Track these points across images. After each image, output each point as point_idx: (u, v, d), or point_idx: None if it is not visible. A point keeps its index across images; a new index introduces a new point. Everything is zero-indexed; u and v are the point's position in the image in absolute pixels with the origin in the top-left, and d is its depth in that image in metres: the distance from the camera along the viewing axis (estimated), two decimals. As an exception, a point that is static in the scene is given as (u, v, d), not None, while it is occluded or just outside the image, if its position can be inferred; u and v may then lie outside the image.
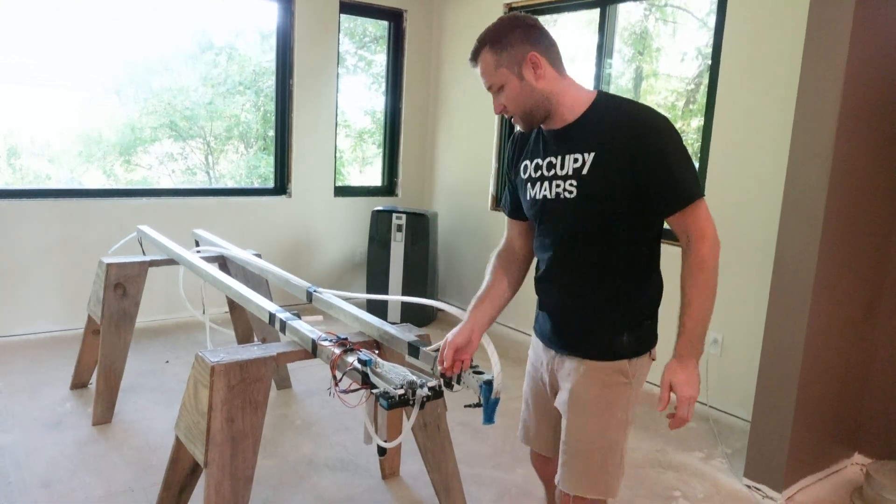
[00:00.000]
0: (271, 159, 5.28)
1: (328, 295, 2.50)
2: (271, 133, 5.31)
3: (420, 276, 4.95)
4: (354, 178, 6.28)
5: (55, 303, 4.37)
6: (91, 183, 5.63)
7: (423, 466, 2.51)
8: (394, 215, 4.94)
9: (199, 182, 6.22)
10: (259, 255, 3.46)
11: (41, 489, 2.60)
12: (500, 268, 1.87)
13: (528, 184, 1.74)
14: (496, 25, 1.64)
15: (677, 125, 2.05)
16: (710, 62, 3.76)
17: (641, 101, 3.82)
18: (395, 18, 5.54)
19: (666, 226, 1.72)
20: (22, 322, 4.29)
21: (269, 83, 5.32)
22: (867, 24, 2.56)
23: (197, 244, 3.67)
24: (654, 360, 1.77)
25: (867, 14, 2.55)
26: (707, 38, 4.08)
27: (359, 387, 1.85)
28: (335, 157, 5.40)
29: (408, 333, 2.14)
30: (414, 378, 1.72)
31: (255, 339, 3.71)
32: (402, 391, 1.66)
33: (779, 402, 2.78)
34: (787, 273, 2.74)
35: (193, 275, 3.10)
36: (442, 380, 1.80)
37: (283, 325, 2.25)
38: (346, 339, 2.06)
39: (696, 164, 1.58)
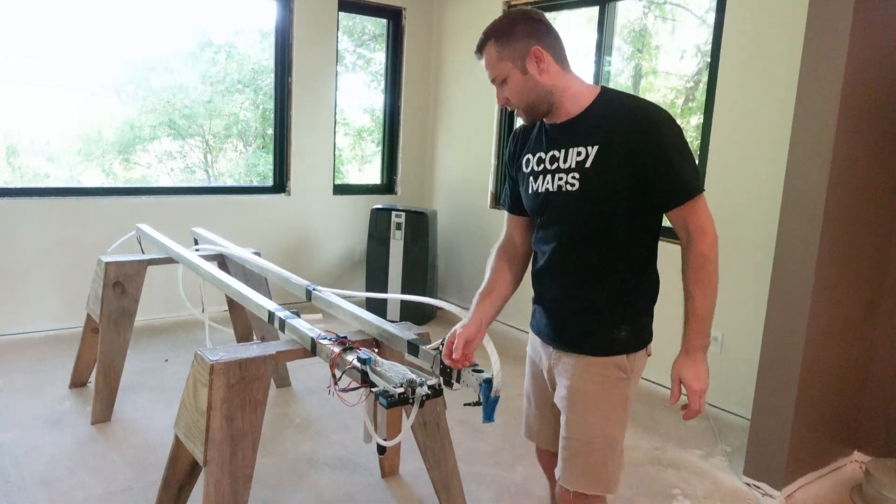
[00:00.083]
0: (270, 157, 5.28)
1: (327, 293, 2.50)
2: (270, 131, 5.30)
3: (419, 274, 4.95)
4: (353, 177, 6.28)
5: (54, 301, 4.37)
6: (90, 181, 5.62)
7: (423, 465, 2.50)
8: (393, 213, 4.93)
9: (198, 180, 6.22)
10: (258, 254, 3.46)
11: (41, 487, 2.60)
12: (502, 263, 1.88)
13: (531, 177, 1.75)
14: (502, 19, 1.68)
15: (677, 123, 2.09)
16: (709, 60, 3.76)
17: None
18: (394, 16, 5.54)
19: (665, 223, 1.72)
20: (21, 321, 4.29)
21: (268, 81, 5.31)
22: (867, 23, 2.56)
23: (196, 242, 3.66)
24: (649, 355, 1.79)
25: (867, 13, 2.54)
26: (706, 35, 4.08)
27: (358, 385, 1.85)
28: (334, 155, 5.39)
29: (407, 332, 2.14)
30: (413, 376, 1.72)
31: (255, 337, 3.71)
32: (401, 390, 1.66)
33: (778, 400, 2.78)
34: (787, 271, 2.74)
35: (193, 273, 3.09)
36: (442, 378, 1.80)
37: (283, 323, 2.25)
38: (345, 337, 2.05)
39: (696, 162, 1.59)
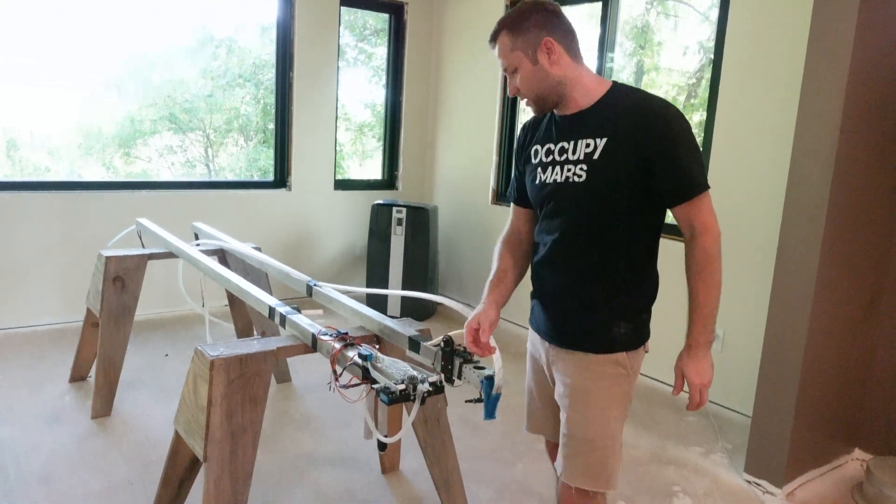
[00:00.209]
0: (271, 152, 5.26)
1: (328, 289, 2.49)
2: (271, 126, 5.29)
3: (420, 270, 4.94)
4: (354, 172, 6.26)
5: (54, 295, 4.36)
6: (91, 175, 5.61)
7: (423, 461, 2.50)
8: (394, 209, 4.92)
9: (199, 175, 6.21)
10: (259, 249, 3.45)
11: (40, 484, 2.59)
12: (508, 253, 1.89)
13: (539, 168, 1.75)
14: (516, 10, 1.69)
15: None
16: (712, 57, 3.74)
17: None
18: (395, 11, 5.52)
19: (667, 220, 1.72)
20: (21, 315, 4.28)
21: (269, 76, 5.30)
22: (871, 22, 2.55)
23: (196, 237, 3.65)
24: (647, 352, 1.80)
25: (871, 13, 2.53)
26: (708, 32, 4.06)
27: (359, 382, 1.84)
28: (335, 150, 5.38)
29: (408, 328, 2.13)
30: (415, 373, 1.72)
31: (255, 332, 3.70)
32: (402, 386, 1.65)
33: (780, 398, 2.78)
34: (789, 270, 2.73)
35: (193, 268, 3.09)
36: (443, 374, 1.80)
37: (283, 319, 2.24)
38: (346, 333, 2.04)
39: (703, 160, 1.60)
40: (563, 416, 1.76)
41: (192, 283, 3.62)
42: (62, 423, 3.07)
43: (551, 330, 1.79)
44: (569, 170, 1.67)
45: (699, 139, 3.82)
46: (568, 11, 4.76)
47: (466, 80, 5.33)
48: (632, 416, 3.45)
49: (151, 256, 3.22)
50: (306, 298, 2.61)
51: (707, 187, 1.61)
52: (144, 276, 3.21)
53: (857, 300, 2.92)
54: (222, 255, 3.45)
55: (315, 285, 2.54)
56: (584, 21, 4.73)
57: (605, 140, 1.62)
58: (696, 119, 4.25)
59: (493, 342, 1.73)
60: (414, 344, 1.99)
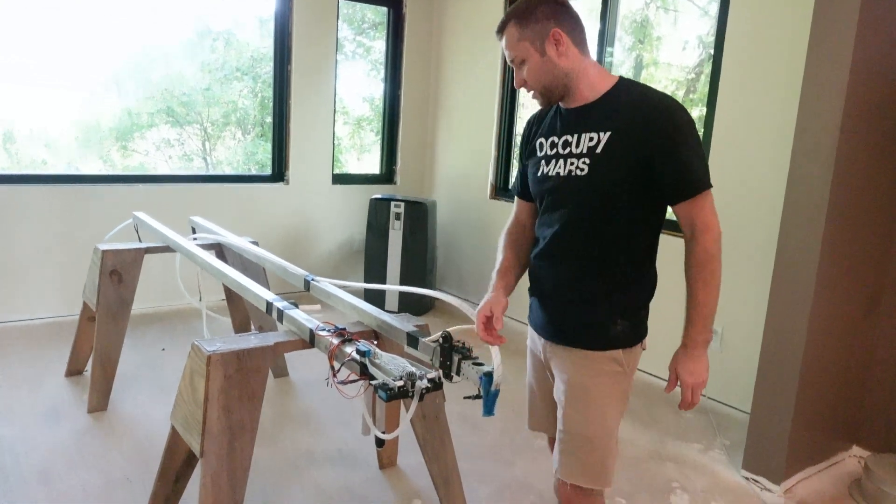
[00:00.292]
0: (269, 146, 5.24)
1: (326, 284, 2.48)
2: (269, 119, 5.26)
3: (418, 264, 4.93)
4: (352, 166, 6.24)
5: (52, 289, 4.34)
6: (88, 169, 5.58)
7: (421, 457, 2.49)
8: (392, 203, 4.90)
9: (196, 168, 6.18)
10: (256, 243, 3.43)
11: (39, 481, 2.58)
12: (512, 244, 1.90)
13: (542, 161, 1.74)
14: (525, 1, 1.67)
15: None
16: (712, 52, 3.73)
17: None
18: (394, 4, 5.49)
19: (667, 216, 1.71)
20: (18, 309, 4.26)
21: (267, 69, 5.27)
22: (873, 21, 2.53)
23: (193, 231, 3.63)
24: (644, 349, 1.78)
25: (873, 11, 2.51)
26: (708, 26, 4.04)
27: (357, 378, 1.83)
28: (333, 144, 5.36)
29: (406, 323, 2.12)
30: (413, 369, 1.70)
31: (253, 327, 3.69)
32: (401, 383, 1.64)
33: (779, 395, 2.77)
34: (789, 267, 2.72)
35: (190, 262, 3.07)
36: (441, 371, 1.79)
37: (281, 314, 2.22)
38: (344, 329, 2.03)
39: (707, 159, 1.58)
40: (559, 412, 1.75)
41: (189, 278, 3.60)
42: (59, 418, 3.06)
43: (549, 326, 1.78)
44: (571, 163, 1.67)
45: (699, 135, 3.80)
46: (568, 5, 4.76)
47: (465, 74, 5.31)
48: (631, 413, 3.44)
49: (148, 250, 3.20)
50: (304, 293, 2.59)
51: (709, 185, 1.60)
52: (141, 270, 3.19)
53: (857, 299, 2.91)
54: (219, 250, 3.43)
55: (313, 280, 2.52)
56: (583, 15, 4.69)
57: (608, 134, 1.61)
58: (695, 114, 4.23)
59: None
60: (412, 340, 1.97)
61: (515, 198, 1.94)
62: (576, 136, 1.67)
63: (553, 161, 1.71)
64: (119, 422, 3.06)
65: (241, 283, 2.54)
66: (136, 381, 3.48)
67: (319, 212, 5.37)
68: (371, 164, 5.98)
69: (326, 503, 2.56)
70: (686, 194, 1.59)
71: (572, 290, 1.72)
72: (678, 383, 1.69)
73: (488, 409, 1.68)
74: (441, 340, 1.81)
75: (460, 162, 5.46)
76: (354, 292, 3.25)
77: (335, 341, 1.93)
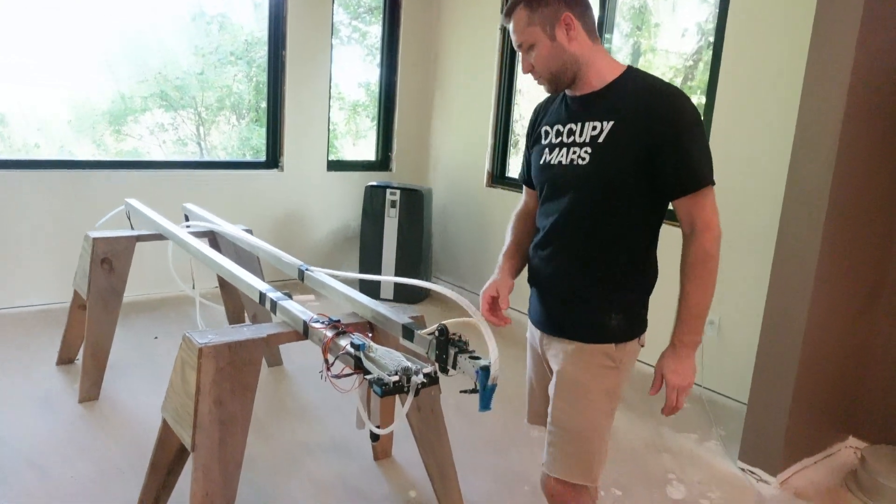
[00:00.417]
0: (263, 131, 5.18)
1: (320, 273, 2.44)
2: (263, 105, 5.20)
3: (414, 253, 4.89)
4: (348, 151, 6.18)
5: (44, 276, 4.29)
6: (81, 153, 5.52)
7: (416, 448, 2.46)
8: (388, 191, 4.86)
9: (190, 153, 6.12)
10: (250, 231, 3.39)
11: (27, 468, 2.55)
12: (519, 228, 1.88)
13: (546, 149, 1.71)
14: None
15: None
16: (711, 40, 3.68)
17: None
18: (390, -12, 5.41)
19: (670, 206, 1.67)
20: (9, 295, 4.21)
21: (262, 54, 5.20)
22: (877, 13, 2.49)
23: (186, 219, 3.59)
24: (642, 345, 1.75)
25: (877, 2, 2.47)
26: (707, 13, 3.99)
27: (352, 371, 1.80)
28: (328, 130, 5.30)
29: (402, 315, 2.08)
30: (409, 364, 1.67)
31: (246, 315, 3.66)
32: (396, 378, 1.61)
33: (777, 387, 2.75)
34: (789, 260, 2.69)
35: (183, 250, 3.03)
36: (437, 364, 1.76)
37: (274, 305, 2.19)
38: (338, 321, 2.00)
39: (711, 155, 1.54)
40: (550, 405, 1.73)
41: (182, 265, 3.56)
42: (50, 407, 3.02)
43: (545, 318, 1.76)
44: (574, 152, 1.63)
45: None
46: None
47: (463, 60, 5.25)
48: (627, 404, 3.43)
49: (140, 238, 3.16)
50: (298, 282, 2.56)
51: (712, 182, 1.55)
52: (133, 257, 3.15)
53: (856, 292, 2.89)
54: (213, 238, 3.39)
55: (307, 270, 2.49)
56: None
57: (611, 124, 1.57)
58: (693, 102, 4.19)
59: (486, 329, 1.68)
60: (407, 332, 1.94)
61: (524, 186, 1.91)
62: (579, 124, 1.63)
63: (556, 149, 1.68)
64: (111, 411, 3.03)
65: (234, 274, 2.50)
66: (128, 370, 3.44)
67: (314, 199, 5.32)
68: (367, 149, 5.92)
69: (321, 495, 2.54)
70: (687, 188, 1.55)
71: (568, 281, 1.69)
72: (663, 385, 1.65)
73: (485, 404, 1.65)
74: (437, 333, 1.78)
75: (457, 149, 5.42)
76: (349, 281, 3.22)
77: (329, 334, 1.90)
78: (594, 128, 1.59)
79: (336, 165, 5.44)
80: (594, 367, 1.67)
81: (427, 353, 1.84)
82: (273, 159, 5.12)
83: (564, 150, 1.65)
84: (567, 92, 1.69)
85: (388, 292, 4.93)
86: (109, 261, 3.05)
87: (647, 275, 1.69)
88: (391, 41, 5.49)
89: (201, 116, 6.15)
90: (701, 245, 1.55)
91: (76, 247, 3.90)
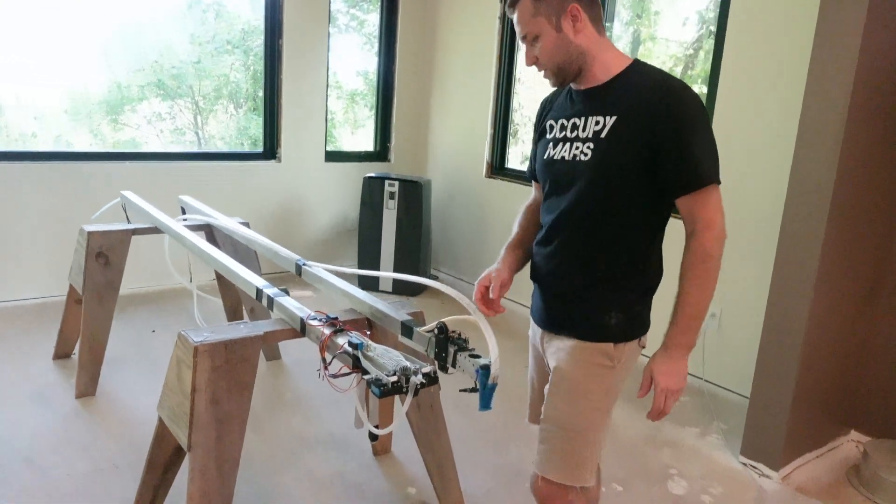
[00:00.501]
0: (262, 120, 5.13)
1: (317, 269, 2.41)
2: (261, 94, 5.15)
3: (413, 244, 4.86)
4: (346, 140, 6.13)
5: (40, 269, 4.26)
6: (78, 143, 5.47)
7: (415, 442, 2.44)
8: (386, 182, 4.82)
9: (188, 142, 6.07)
10: (247, 224, 3.36)
11: (22, 463, 2.53)
12: (527, 220, 1.84)
13: (551, 143, 1.67)
14: None
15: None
16: (712, 28, 3.63)
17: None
18: (388, -24, 5.35)
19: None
20: (5, 289, 4.18)
21: (259, 42, 5.14)
22: (882, 6, 2.45)
23: (183, 211, 3.55)
24: (643, 347, 1.70)
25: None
26: (708, 1, 3.94)
27: (349, 371, 1.77)
28: (326, 120, 5.25)
29: (401, 311, 2.05)
30: (407, 364, 1.64)
31: (244, 309, 3.63)
32: (394, 378, 1.58)
33: (779, 382, 2.73)
34: (792, 253, 2.66)
35: (179, 243, 2.99)
36: (437, 362, 1.73)
37: (271, 301, 2.16)
38: (335, 318, 1.97)
39: (717, 153, 1.47)
40: (544, 402, 1.69)
41: (179, 258, 3.53)
42: (47, 402, 3.00)
43: (544, 314, 1.73)
44: (577, 147, 1.58)
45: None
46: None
47: (461, 49, 5.19)
48: (626, 397, 3.39)
49: (136, 232, 3.12)
50: (296, 275, 2.52)
51: (717, 181, 1.50)
52: (130, 249, 3.11)
53: (858, 287, 2.87)
54: (209, 231, 3.35)
55: (304, 265, 2.46)
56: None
57: (613, 119, 1.52)
58: (700, 99, 4.14)
59: (486, 328, 1.65)
60: (406, 329, 1.92)
61: (533, 181, 1.86)
62: (583, 119, 1.58)
63: (560, 144, 1.63)
64: (108, 406, 3.00)
65: (231, 269, 2.47)
66: (125, 365, 3.42)
67: (312, 190, 5.28)
68: (366, 139, 5.87)
69: (319, 491, 2.52)
70: (689, 186, 1.49)
71: (568, 279, 1.65)
72: (651, 387, 1.59)
73: (485, 404, 1.62)
74: (436, 331, 1.75)
75: (456, 140, 5.37)
76: (347, 276, 3.19)
77: (327, 332, 1.87)
78: (597, 123, 1.55)
79: (334, 156, 5.39)
80: (590, 366, 1.63)
81: (426, 351, 1.81)
82: (270, 150, 5.07)
83: (568, 144, 1.61)
84: (572, 85, 1.64)
85: (386, 285, 4.90)
86: (105, 255, 3.02)
87: (648, 274, 1.64)
88: (389, 30, 5.43)
89: (199, 106, 6.09)
90: (701, 244, 1.50)
91: (72, 239, 3.86)
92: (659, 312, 1.73)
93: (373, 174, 4.94)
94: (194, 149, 5.86)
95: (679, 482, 2.73)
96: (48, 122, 5.22)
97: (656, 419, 1.60)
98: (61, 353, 3.40)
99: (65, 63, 4.87)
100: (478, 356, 1.66)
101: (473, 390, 1.64)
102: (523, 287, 1.87)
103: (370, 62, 5.70)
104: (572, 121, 1.61)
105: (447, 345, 1.73)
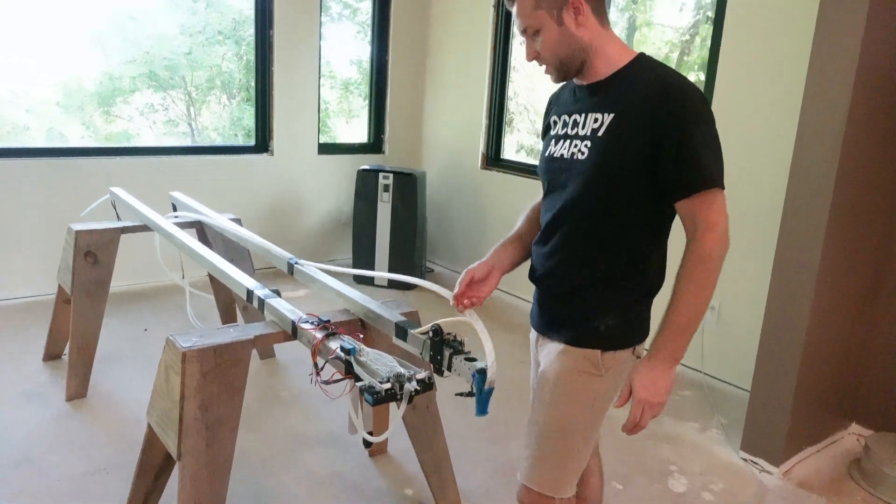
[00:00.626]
0: (254, 112, 5.06)
1: (310, 267, 2.36)
2: (254, 85, 5.07)
3: (408, 237, 4.80)
4: (341, 130, 6.06)
5: (31, 267, 4.20)
6: (70, 135, 5.40)
7: (409, 441, 2.40)
8: (380, 175, 4.76)
9: (181, 133, 6.00)
10: (238, 220, 3.30)
11: (12, 466, 2.48)
12: (529, 219, 1.76)
13: (553, 140, 1.60)
14: None
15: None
16: (710, 14, 3.57)
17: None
18: (381, -36, 5.26)
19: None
20: (-6, 287, 4.13)
21: (251, 32, 5.06)
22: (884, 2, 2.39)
23: (175, 208, 3.49)
24: (639, 357, 1.61)
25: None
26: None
27: (342, 377, 1.72)
28: (318, 113, 5.17)
29: (394, 312, 2.00)
30: (402, 370, 1.59)
31: (237, 307, 3.58)
32: (388, 385, 1.53)
33: (780, 377, 2.69)
34: (793, 247, 2.61)
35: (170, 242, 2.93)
36: (432, 365, 1.69)
37: (262, 303, 2.11)
38: (328, 321, 1.92)
39: (722, 156, 1.37)
40: (530, 408, 1.65)
41: (171, 254, 3.47)
42: (38, 404, 2.95)
43: (539, 316, 1.67)
44: (575, 145, 1.51)
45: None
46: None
47: (456, 37, 5.12)
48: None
49: (125, 230, 3.06)
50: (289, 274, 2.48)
51: (720, 185, 1.40)
52: (121, 244, 3.05)
53: (860, 280, 2.83)
54: (201, 228, 3.29)
55: (296, 263, 2.40)
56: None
57: (611, 116, 1.45)
58: (691, 79, 4.09)
59: (482, 330, 1.59)
60: (401, 331, 1.87)
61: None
62: (583, 115, 1.51)
63: (561, 141, 1.56)
64: (100, 408, 2.95)
65: (222, 269, 2.41)
66: (117, 364, 3.37)
67: (305, 183, 5.22)
68: (360, 130, 5.80)
69: (317, 489, 2.48)
70: (690, 189, 1.40)
71: (566, 278, 1.58)
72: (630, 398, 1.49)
73: (482, 409, 1.58)
74: (431, 333, 1.71)
75: (451, 130, 5.30)
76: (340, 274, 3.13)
77: (319, 335, 1.82)
78: (595, 120, 1.48)
79: (327, 148, 5.32)
80: (576, 373, 1.56)
81: (421, 354, 1.76)
82: (263, 143, 5.01)
83: (567, 142, 1.54)
84: (575, 80, 1.57)
85: (381, 279, 4.85)
86: (93, 253, 2.96)
87: (648, 275, 1.56)
88: (382, 18, 5.35)
89: (191, 97, 6.02)
90: (701, 245, 1.40)
91: (62, 236, 3.80)
92: (658, 318, 1.67)
93: (367, 166, 4.87)
94: (187, 140, 5.80)
95: (679, 479, 2.69)
96: (40, 115, 5.15)
97: (630, 433, 1.50)
98: (52, 355, 3.35)
99: (56, 54, 4.79)
100: (474, 359, 1.62)
101: (469, 394, 1.59)
102: (521, 281, 1.82)
103: (364, 51, 5.63)
104: (573, 117, 1.54)
105: (442, 348, 1.68)
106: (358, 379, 1.62)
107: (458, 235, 5.24)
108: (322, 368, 1.75)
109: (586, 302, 1.56)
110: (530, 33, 1.50)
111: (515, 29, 1.55)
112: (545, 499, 1.59)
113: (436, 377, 1.72)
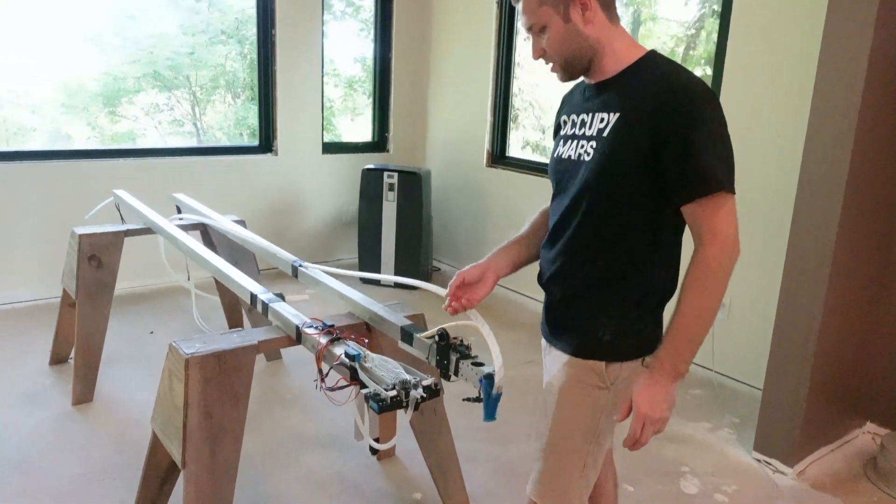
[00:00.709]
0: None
1: (314, 270, 2.33)
2: (258, 83, 5.05)
3: (414, 236, 4.77)
4: (345, 128, 6.03)
5: (36, 270, 4.18)
6: (75, 135, 5.40)
7: (416, 442, 2.36)
8: (385, 174, 4.73)
9: (187, 133, 5.99)
10: (242, 222, 3.27)
11: (15, 469, 2.46)
12: (537, 221, 1.70)
13: (561, 141, 1.55)
14: None
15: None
16: (716, 8, 3.52)
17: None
18: (383, -39, 5.22)
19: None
20: (0, 291, 4.11)
21: (254, 31, 5.03)
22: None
23: (178, 210, 3.46)
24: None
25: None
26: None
27: (347, 384, 1.69)
28: (322, 113, 5.14)
29: (400, 315, 1.97)
30: (407, 376, 1.56)
31: (243, 309, 3.55)
32: (393, 392, 1.50)
33: (793, 377, 2.65)
34: (805, 240, 2.57)
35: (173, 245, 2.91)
36: (439, 370, 1.66)
37: (266, 307, 2.08)
38: (332, 326, 1.88)
39: (732, 159, 1.29)
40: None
41: (176, 255, 3.44)
42: (42, 406, 2.93)
43: (546, 321, 1.62)
44: (581, 146, 1.46)
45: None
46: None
47: (459, 33, 5.07)
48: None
49: (128, 233, 3.04)
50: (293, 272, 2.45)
51: (728, 189, 1.32)
52: (126, 246, 3.03)
53: (874, 274, 2.78)
54: (204, 230, 3.27)
55: (300, 266, 2.37)
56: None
57: (616, 116, 1.39)
58: (697, 74, 4.05)
59: (488, 334, 1.55)
60: (406, 335, 1.84)
61: None
62: (590, 115, 1.46)
63: (569, 142, 1.51)
64: (106, 413, 2.93)
65: (226, 273, 2.38)
66: (124, 367, 3.35)
67: (310, 183, 5.18)
68: (364, 127, 5.77)
69: (320, 491, 2.46)
70: (693, 193, 1.32)
71: (570, 279, 1.52)
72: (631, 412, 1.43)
73: (490, 414, 1.54)
74: (437, 338, 1.67)
75: (455, 128, 5.26)
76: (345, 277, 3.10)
77: (323, 341, 1.78)
78: (602, 120, 1.42)
79: (332, 148, 5.29)
80: (580, 385, 1.51)
81: (427, 359, 1.73)
82: (266, 143, 4.98)
83: (575, 142, 1.49)
84: (584, 79, 1.52)
85: (388, 274, 4.82)
86: (97, 257, 2.94)
87: (649, 277, 1.48)
88: (384, 16, 5.31)
89: (196, 96, 6.01)
90: (704, 257, 1.33)
91: (65, 240, 3.79)
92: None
93: (371, 166, 4.84)
94: (193, 140, 5.79)
95: (691, 480, 2.65)
96: (45, 116, 5.14)
97: (631, 448, 1.44)
98: (58, 359, 3.33)
99: (55, 54, 4.78)
100: (481, 364, 1.58)
101: (477, 400, 1.56)
102: (525, 279, 1.77)
103: (367, 48, 5.59)
104: (581, 117, 1.49)
105: (449, 352, 1.65)
106: (363, 385, 1.59)
107: (464, 234, 5.21)
108: (327, 374, 1.72)
109: (587, 303, 1.50)
110: (536, 30, 1.45)
111: (520, 25, 1.49)
112: None
113: (442, 381, 1.69)
